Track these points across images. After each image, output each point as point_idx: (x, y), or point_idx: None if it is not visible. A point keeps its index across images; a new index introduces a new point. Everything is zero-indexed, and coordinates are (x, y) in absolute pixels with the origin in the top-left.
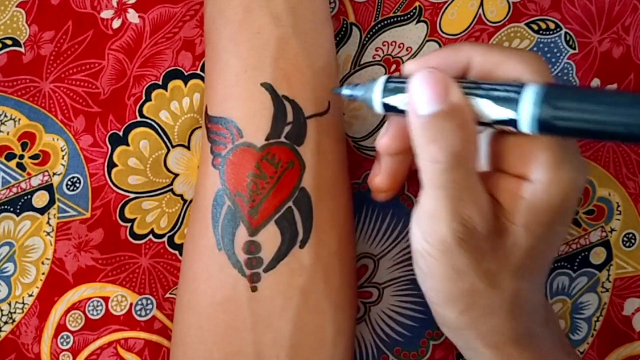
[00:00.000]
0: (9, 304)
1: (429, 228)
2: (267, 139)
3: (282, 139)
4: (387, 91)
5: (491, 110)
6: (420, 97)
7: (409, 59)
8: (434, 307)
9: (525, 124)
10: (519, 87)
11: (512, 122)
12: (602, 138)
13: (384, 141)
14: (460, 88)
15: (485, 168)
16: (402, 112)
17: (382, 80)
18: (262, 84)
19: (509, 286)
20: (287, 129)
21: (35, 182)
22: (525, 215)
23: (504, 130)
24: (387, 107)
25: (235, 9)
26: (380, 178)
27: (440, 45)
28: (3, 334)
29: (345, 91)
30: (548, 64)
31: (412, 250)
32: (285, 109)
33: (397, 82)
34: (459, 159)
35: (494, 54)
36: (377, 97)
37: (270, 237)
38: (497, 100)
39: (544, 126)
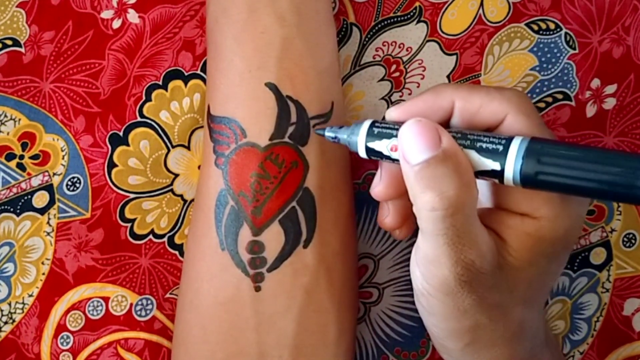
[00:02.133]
0: (9, 304)
1: (430, 272)
2: (271, 139)
3: (286, 139)
4: (371, 136)
5: (476, 162)
6: (411, 146)
7: (409, 59)
8: (437, 341)
9: (510, 179)
10: (505, 140)
11: (496, 174)
12: (590, 196)
13: (378, 190)
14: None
15: (487, 205)
16: (386, 157)
17: (366, 124)
18: (266, 84)
19: (512, 317)
20: (290, 129)
21: (36, 182)
22: (529, 251)
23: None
24: (371, 152)
25: (239, 8)
26: (390, 219)
27: (440, 46)
28: (3, 334)
29: (329, 133)
30: (531, 101)
31: (414, 288)
32: (289, 109)
33: (381, 127)
34: (456, 205)
35: (475, 98)
36: (361, 142)
37: (273, 237)
38: (481, 151)
39: (528, 181)
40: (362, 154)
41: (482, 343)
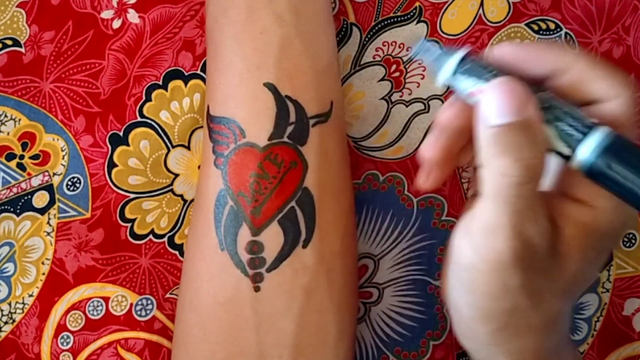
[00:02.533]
0: (9, 304)
1: (484, 242)
2: (270, 139)
3: (285, 139)
4: (458, 70)
5: (551, 140)
6: (495, 105)
7: (409, 59)
8: (464, 321)
9: (577, 165)
10: (588, 127)
11: (564, 157)
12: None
13: (447, 114)
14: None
15: (546, 188)
16: (462, 95)
17: (457, 57)
18: (265, 84)
19: (551, 307)
20: (290, 129)
21: (36, 182)
22: (582, 241)
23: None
24: (450, 85)
25: (238, 8)
26: (433, 144)
27: (440, 46)
28: (3, 334)
29: (424, 45)
30: (635, 91)
31: (454, 262)
32: (288, 109)
33: (471, 63)
34: (530, 174)
35: (592, 73)
36: (445, 72)
37: (273, 237)
38: (561, 133)
39: (592, 175)
40: (440, 84)
41: (514, 329)
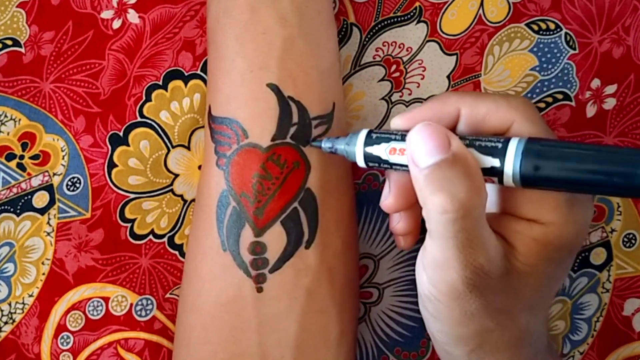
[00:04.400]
0: (9, 304)
1: (437, 276)
2: (272, 140)
3: (288, 140)
4: (369, 142)
5: (478, 160)
6: (420, 148)
7: (409, 59)
8: (441, 347)
9: (510, 177)
10: (503, 140)
11: (496, 172)
12: (591, 191)
13: (388, 202)
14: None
15: (493, 210)
16: (384, 162)
17: (364, 132)
18: (268, 85)
19: (518, 322)
20: (292, 129)
21: (36, 182)
22: (537, 255)
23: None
24: (369, 158)
25: (241, 8)
26: (402, 224)
27: (440, 46)
28: (3, 334)
29: (326, 144)
30: (537, 109)
31: (419, 292)
32: (291, 110)
33: (379, 134)
34: (467, 207)
35: (481, 105)
36: (359, 149)
37: (275, 238)
38: (481, 149)
39: (527, 179)
40: (360, 162)
41: (488, 348)
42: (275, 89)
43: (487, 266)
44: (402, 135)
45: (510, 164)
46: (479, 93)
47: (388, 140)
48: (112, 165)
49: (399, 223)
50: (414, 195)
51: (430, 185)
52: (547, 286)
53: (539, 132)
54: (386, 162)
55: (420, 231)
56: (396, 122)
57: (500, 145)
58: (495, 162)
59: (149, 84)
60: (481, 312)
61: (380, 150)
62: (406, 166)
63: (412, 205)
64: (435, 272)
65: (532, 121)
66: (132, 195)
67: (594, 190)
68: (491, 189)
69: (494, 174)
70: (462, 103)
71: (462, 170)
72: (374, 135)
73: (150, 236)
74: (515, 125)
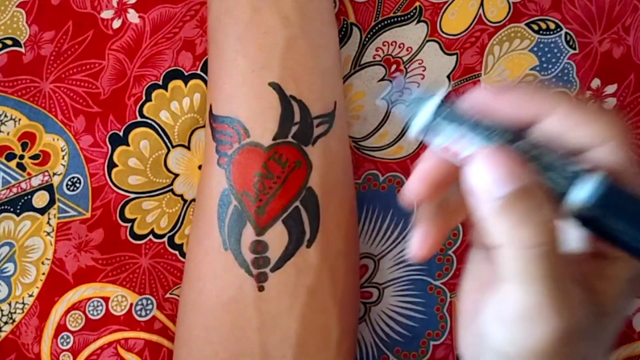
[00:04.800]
0: (9, 304)
1: (525, 331)
2: (274, 139)
3: (290, 139)
4: (438, 114)
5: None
6: (491, 176)
7: (409, 59)
8: None
9: (570, 213)
10: (578, 174)
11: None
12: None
13: (427, 165)
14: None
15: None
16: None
17: (433, 103)
18: (270, 84)
19: None
20: (294, 128)
21: (36, 182)
22: (625, 295)
23: None
24: (423, 132)
25: (243, 8)
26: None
27: (440, 46)
28: (3, 334)
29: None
30: (629, 132)
31: (486, 347)
32: (293, 109)
33: (451, 109)
34: (555, 237)
35: (578, 113)
36: (418, 122)
37: (277, 237)
38: (554, 182)
39: (586, 223)
40: (414, 133)
41: None
42: (277, 88)
43: (580, 313)
44: (474, 125)
45: (578, 201)
46: (579, 108)
47: (460, 125)
48: (112, 165)
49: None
50: (440, 183)
51: (510, 218)
52: (622, 322)
53: (628, 164)
54: (440, 147)
55: (439, 245)
56: (479, 96)
57: (571, 185)
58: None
59: (149, 84)
60: None
61: (446, 134)
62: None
63: (434, 196)
64: (523, 326)
65: (629, 145)
66: (132, 195)
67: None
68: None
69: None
70: (560, 109)
71: (539, 199)
72: (446, 111)
73: (150, 236)
74: (607, 147)
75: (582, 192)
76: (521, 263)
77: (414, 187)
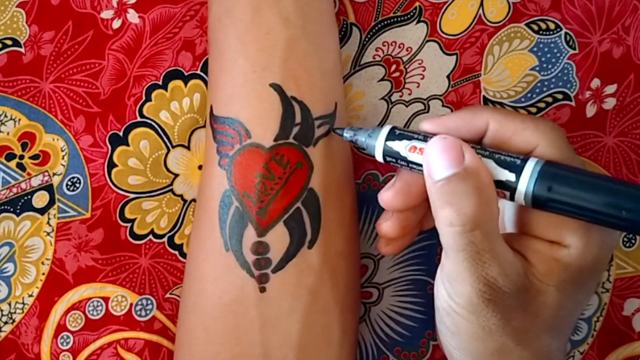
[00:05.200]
0: (9, 304)
1: (454, 289)
2: (275, 140)
3: (291, 140)
4: (391, 137)
5: (493, 171)
6: (435, 162)
7: (409, 59)
8: None
9: (521, 196)
10: (522, 158)
11: (509, 188)
12: (595, 222)
13: (387, 195)
14: (474, 152)
15: (514, 231)
16: (402, 159)
17: (387, 127)
18: (271, 85)
19: (539, 344)
20: (295, 129)
21: (35, 182)
22: (558, 276)
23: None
24: (389, 153)
25: (243, 8)
26: (389, 224)
27: (440, 46)
28: (3, 334)
29: (347, 133)
30: (564, 136)
31: (437, 307)
32: (294, 110)
33: (402, 131)
34: (474, 221)
35: (510, 124)
36: (380, 143)
37: (278, 238)
38: (499, 163)
39: (538, 200)
40: (379, 155)
41: None
42: (278, 89)
43: (500, 280)
44: (424, 137)
45: (525, 181)
46: (510, 111)
47: (410, 138)
48: (112, 165)
49: (386, 222)
50: (413, 199)
51: (440, 199)
52: (568, 309)
53: (561, 158)
54: (404, 159)
55: (406, 242)
56: (424, 126)
57: (519, 161)
58: (510, 177)
59: (148, 84)
60: (500, 329)
61: (401, 147)
62: (422, 166)
63: (407, 208)
64: (452, 285)
65: (556, 147)
66: (132, 195)
67: (603, 222)
68: (512, 210)
69: (507, 188)
70: (492, 118)
71: (472, 184)
72: (397, 132)
73: (150, 236)
74: (538, 149)
75: (526, 174)
76: (444, 237)
77: (388, 196)
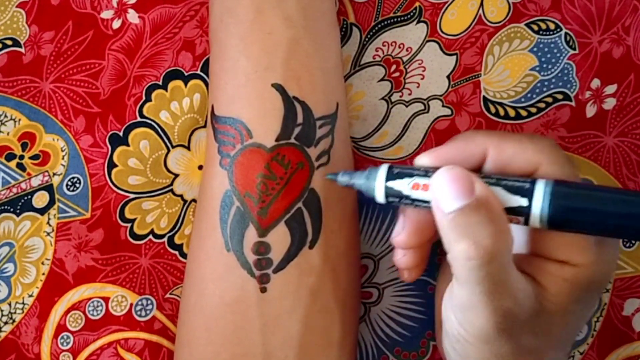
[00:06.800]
0: (9, 304)
1: (467, 319)
2: (277, 140)
3: (292, 140)
4: (390, 177)
5: (503, 198)
6: (444, 193)
7: (409, 59)
8: None
9: (536, 219)
10: (530, 181)
11: (523, 213)
12: (613, 235)
13: (400, 239)
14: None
15: (523, 251)
16: (406, 198)
17: (384, 167)
18: (273, 85)
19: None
20: (297, 130)
21: (36, 182)
22: (567, 296)
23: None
24: (391, 193)
25: (246, 8)
26: (406, 259)
27: (440, 46)
28: (3, 334)
29: (342, 178)
30: (562, 151)
31: (446, 331)
32: (296, 110)
33: (400, 169)
34: (492, 253)
35: (508, 147)
36: (380, 184)
37: (279, 238)
38: (508, 189)
39: (555, 221)
40: (380, 197)
41: None
42: (280, 89)
43: (515, 310)
44: (425, 171)
45: (539, 204)
46: (505, 133)
47: (411, 175)
48: (112, 165)
49: (404, 257)
50: (427, 234)
51: (454, 231)
52: (575, 324)
53: (565, 175)
54: (408, 197)
55: (425, 265)
56: (421, 160)
57: (527, 185)
58: (523, 202)
59: (148, 84)
60: (511, 354)
61: (403, 185)
62: (429, 202)
63: (423, 245)
64: (465, 315)
65: (558, 164)
66: (132, 195)
67: (620, 234)
68: (520, 231)
69: (519, 214)
70: (489, 143)
71: (486, 214)
72: (396, 170)
73: (150, 236)
74: (542, 168)
75: (538, 196)
76: (459, 270)
77: (402, 239)
